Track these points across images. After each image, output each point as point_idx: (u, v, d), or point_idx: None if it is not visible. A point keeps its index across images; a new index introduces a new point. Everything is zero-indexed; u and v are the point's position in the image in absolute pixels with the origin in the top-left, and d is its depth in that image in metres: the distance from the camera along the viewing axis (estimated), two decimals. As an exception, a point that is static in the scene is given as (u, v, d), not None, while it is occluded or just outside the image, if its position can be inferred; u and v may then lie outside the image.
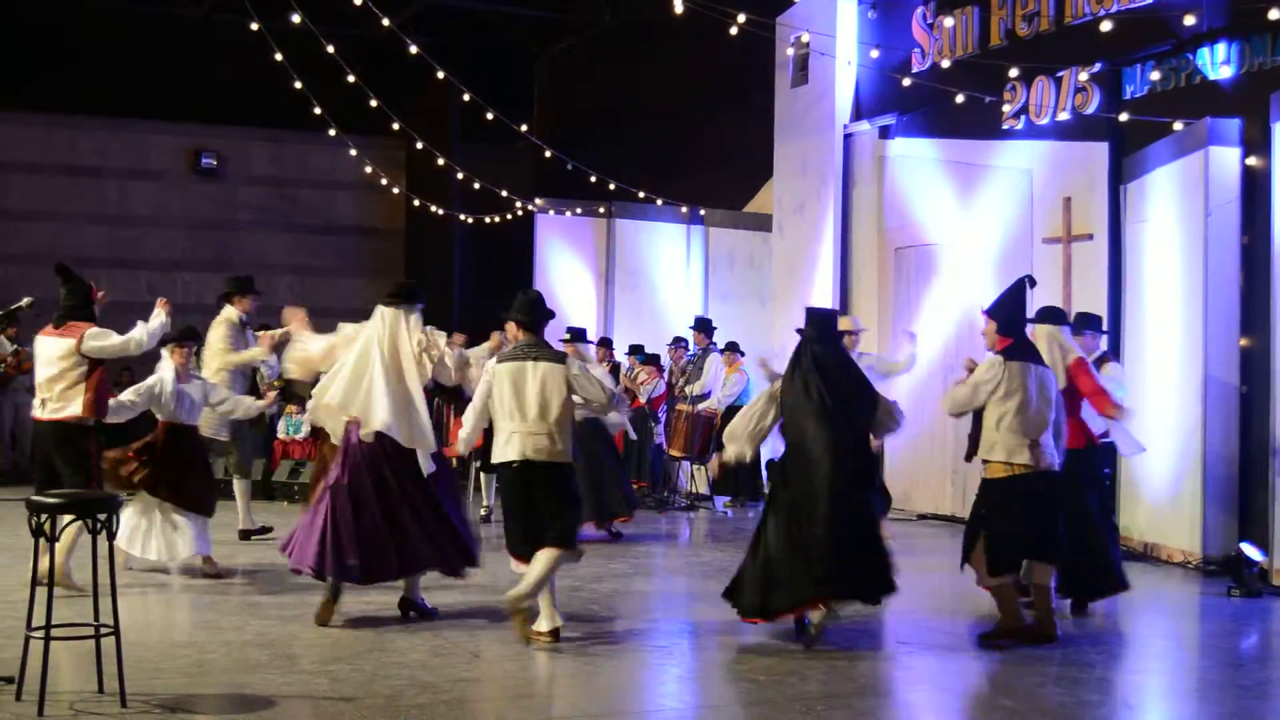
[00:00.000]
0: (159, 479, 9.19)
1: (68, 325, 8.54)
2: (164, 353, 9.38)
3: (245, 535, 10.87)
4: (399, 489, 7.65)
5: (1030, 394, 7.51)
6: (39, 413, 8.59)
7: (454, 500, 8.07)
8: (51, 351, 8.52)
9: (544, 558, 7.27)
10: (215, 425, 10.37)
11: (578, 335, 11.64)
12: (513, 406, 7.37)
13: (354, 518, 7.56)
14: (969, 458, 7.81)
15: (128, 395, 9.22)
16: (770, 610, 7.29)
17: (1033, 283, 7.89)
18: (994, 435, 7.52)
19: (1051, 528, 7.60)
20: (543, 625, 7.30)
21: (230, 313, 10.95)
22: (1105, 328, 9.67)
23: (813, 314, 7.84)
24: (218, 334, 10.84)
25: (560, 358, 7.55)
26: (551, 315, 7.82)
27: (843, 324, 10.19)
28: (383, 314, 7.78)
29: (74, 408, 8.46)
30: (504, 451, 7.41)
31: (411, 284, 8.15)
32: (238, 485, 10.99)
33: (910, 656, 7.28)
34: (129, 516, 9.14)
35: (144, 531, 9.18)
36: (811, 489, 7.22)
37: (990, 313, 7.82)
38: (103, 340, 8.55)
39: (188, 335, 9.53)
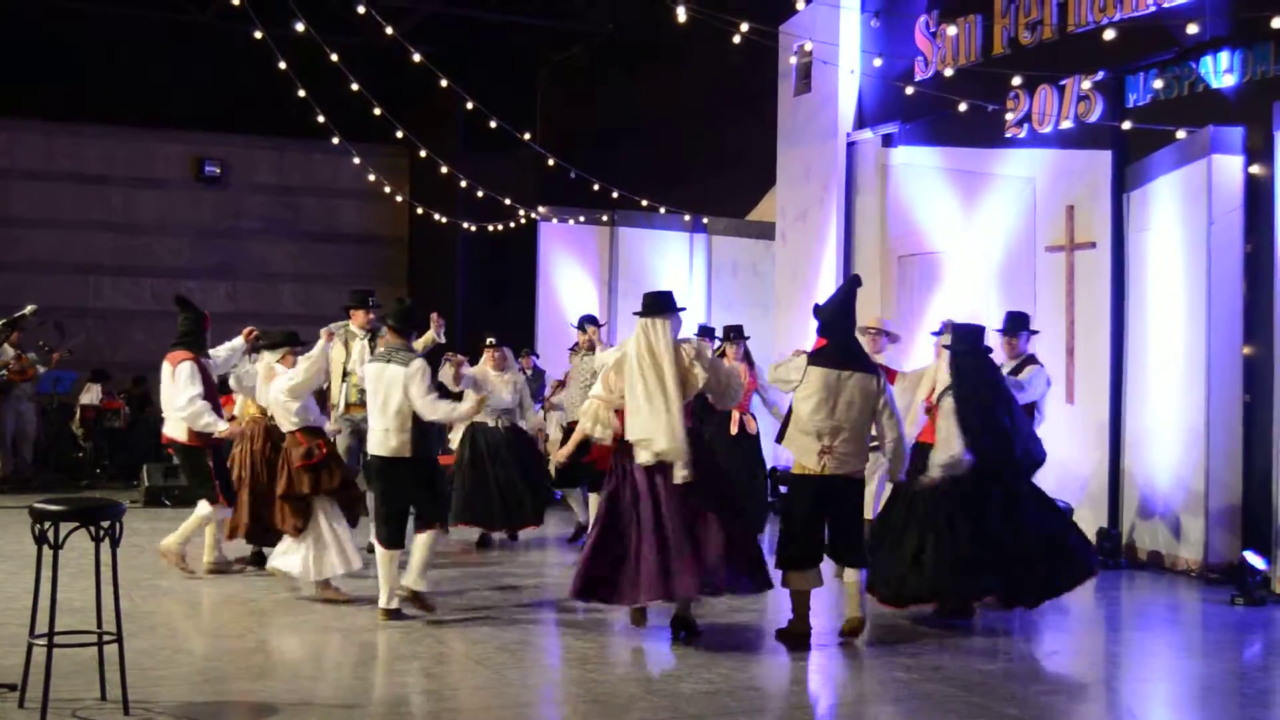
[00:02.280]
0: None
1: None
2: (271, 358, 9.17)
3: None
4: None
5: (826, 400, 7.39)
6: (175, 432, 9.44)
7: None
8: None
9: (422, 540, 8.02)
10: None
11: (591, 320, 11.84)
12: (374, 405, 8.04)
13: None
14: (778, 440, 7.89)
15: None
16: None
17: (858, 283, 7.94)
18: (793, 431, 7.56)
19: (836, 532, 7.56)
20: (394, 602, 7.96)
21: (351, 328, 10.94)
22: (1035, 327, 9.86)
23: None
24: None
25: (409, 362, 7.94)
26: (421, 327, 8.19)
27: (869, 321, 10.32)
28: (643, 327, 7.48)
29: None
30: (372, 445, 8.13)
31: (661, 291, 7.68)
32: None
33: (910, 662, 7.26)
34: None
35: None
36: None
37: (816, 310, 7.84)
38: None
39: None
